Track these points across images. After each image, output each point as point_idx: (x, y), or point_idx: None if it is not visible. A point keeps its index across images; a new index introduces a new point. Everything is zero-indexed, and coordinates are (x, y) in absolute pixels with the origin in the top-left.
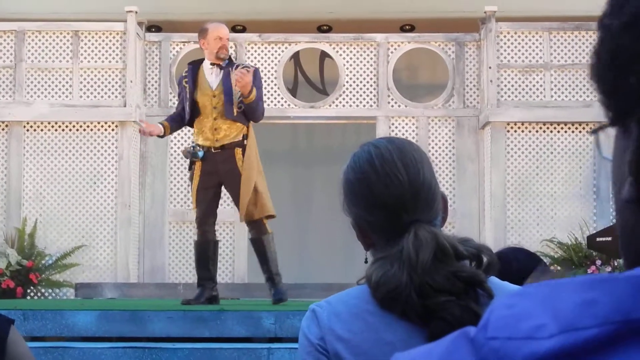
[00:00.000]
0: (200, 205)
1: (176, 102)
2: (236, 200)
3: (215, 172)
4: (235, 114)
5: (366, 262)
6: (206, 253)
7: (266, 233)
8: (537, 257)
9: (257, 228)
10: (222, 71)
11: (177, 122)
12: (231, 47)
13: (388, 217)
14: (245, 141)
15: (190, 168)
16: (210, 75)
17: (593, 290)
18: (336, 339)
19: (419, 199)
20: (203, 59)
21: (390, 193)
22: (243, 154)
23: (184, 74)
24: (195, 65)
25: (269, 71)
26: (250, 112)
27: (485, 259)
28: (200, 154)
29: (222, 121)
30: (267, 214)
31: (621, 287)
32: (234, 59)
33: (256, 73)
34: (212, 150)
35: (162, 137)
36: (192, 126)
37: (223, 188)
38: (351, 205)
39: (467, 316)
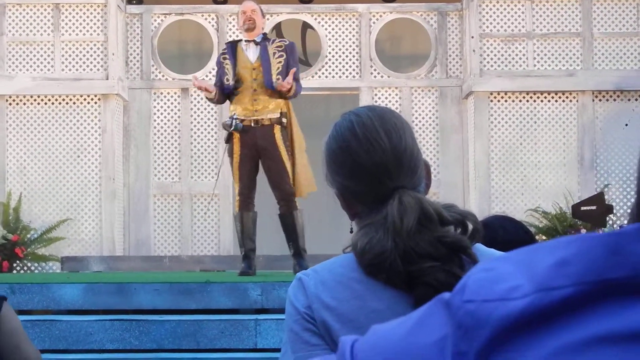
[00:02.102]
0: (242, 179)
1: (159, 75)
2: (271, 178)
3: (254, 146)
4: (274, 83)
5: (351, 231)
6: (251, 225)
7: (296, 209)
8: (523, 226)
9: (288, 204)
10: (259, 46)
11: (220, 94)
12: (213, 19)
13: (371, 184)
14: (283, 119)
15: (228, 141)
16: (248, 51)
17: (567, 250)
18: (323, 307)
19: (401, 164)
20: (240, 40)
21: (372, 160)
22: (282, 132)
23: (222, 52)
24: (232, 44)
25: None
26: (287, 96)
27: (470, 225)
28: (240, 125)
29: (262, 92)
30: (305, 192)
31: (595, 247)
32: (266, 35)
33: (293, 48)
34: (252, 124)
35: (210, 99)
36: (230, 100)
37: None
38: (334, 175)
39: (451, 281)
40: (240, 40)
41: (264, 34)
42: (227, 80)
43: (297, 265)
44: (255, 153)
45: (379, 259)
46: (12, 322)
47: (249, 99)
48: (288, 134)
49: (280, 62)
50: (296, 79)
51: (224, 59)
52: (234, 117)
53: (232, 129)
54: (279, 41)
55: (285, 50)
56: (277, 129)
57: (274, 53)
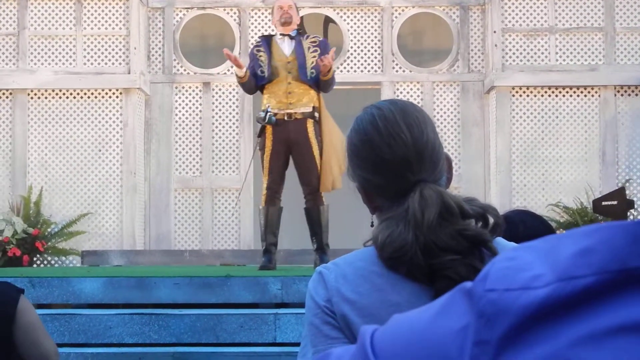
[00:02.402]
0: (272, 173)
1: (180, 69)
2: (302, 172)
3: (286, 141)
4: (308, 77)
5: (372, 225)
6: (275, 220)
7: (322, 204)
8: (544, 220)
9: (315, 198)
10: (293, 40)
11: (251, 82)
12: (235, 13)
13: (393, 178)
14: (316, 113)
15: (260, 135)
16: (283, 45)
17: (590, 239)
18: (343, 301)
19: (423, 158)
20: (274, 34)
21: (394, 153)
22: (314, 126)
23: (256, 44)
24: (267, 38)
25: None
26: (324, 85)
27: (491, 219)
28: (274, 119)
29: (296, 85)
30: (329, 188)
31: (618, 235)
32: (301, 30)
33: (326, 44)
34: (285, 118)
35: (241, 81)
36: (262, 92)
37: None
38: (356, 169)
39: (472, 275)
40: (275, 34)
41: (298, 29)
42: (262, 72)
43: (319, 259)
44: (287, 148)
45: (399, 253)
46: (29, 315)
47: (283, 92)
48: (320, 128)
49: (314, 56)
50: (333, 79)
51: (258, 51)
52: (268, 110)
53: (265, 122)
54: (313, 37)
55: (319, 46)
56: (309, 123)
57: (309, 48)
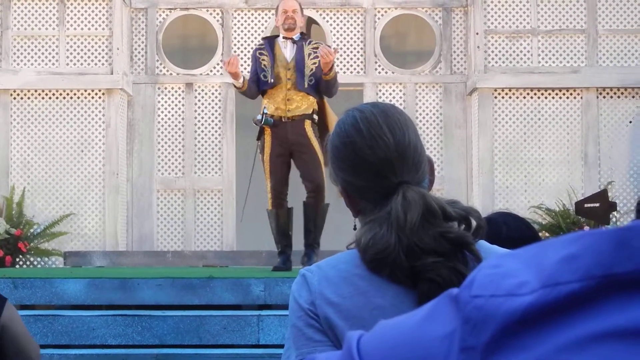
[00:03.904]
0: (274, 175)
1: (163, 70)
2: (304, 170)
3: (286, 141)
4: (306, 85)
5: (355, 228)
6: (286, 221)
7: (323, 201)
8: (527, 223)
9: (317, 195)
10: (295, 45)
11: (252, 88)
12: (218, 14)
13: (375, 180)
14: (315, 115)
15: (259, 138)
16: (285, 49)
17: (574, 245)
18: (326, 303)
19: (405, 160)
20: (277, 35)
21: (376, 155)
22: (313, 127)
23: (258, 47)
24: (270, 40)
25: (255, 38)
26: (327, 87)
27: (473, 222)
28: (271, 120)
29: (295, 92)
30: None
31: (602, 242)
32: (305, 34)
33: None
34: (283, 119)
35: (238, 88)
36: (262, 96)
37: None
38: (338, 171)
39: (455, 277)
40: (278, 36)
41: (302, 33)
42: (265, 77)
43: (306, 257)
44: (287, 149)
45: (382, 254)
46: (16, 325)
47: (282, 98)
48: (320, 129)
49: (314, 63)
50: (334, 76)
51: (261, 54)
52: (265, 111)
53: (262, 123)
54: (315, 42)
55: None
56: (307, 124)
57: (309, 54)
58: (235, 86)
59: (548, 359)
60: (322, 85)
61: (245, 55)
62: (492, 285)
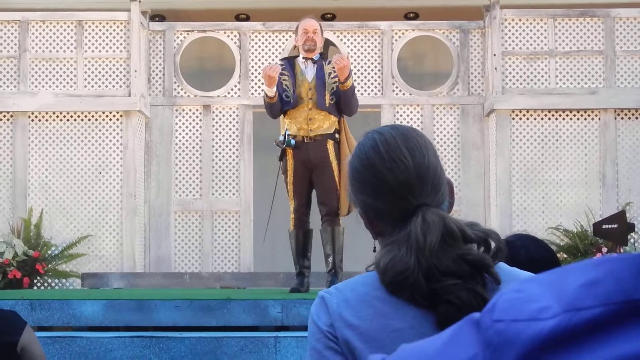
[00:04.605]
0: (297, 196)
1: (180, 92)
2: (321, 191)
3: (308, 162)
4: (327, 104)
5: (374, 250)
6: (306, 243)
7: (339, 225)
8: (546, 245)
9: (332, 220)
10: (315, 65)
11: (278, 105)
12: (235, 36)
13: (395, 202)
14: (337, 135)
15: (281, 159)
16: (306, 69)
17: (596, 271)
18: (345, 326)
19: (425, 182)
20: (297, 55)
21: (396, 177)
22: (335, 147)
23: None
24: (289, 60)
25: (273, 60)
26: (346, 101)
27: (493, 244)
28: (293, 142)
29: (317, 112)
30: (349, 211)
31: (623, 267)
32: (324, 54)
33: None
34: (305, 140)
35: (270, 99)
36: (283, 116)
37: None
38: (358, 193)
39: (474, 300)
40: (296, 56)
41: (321, 53)
42: (287, 97)
43: (329, 283)
44: (308, 169)
45: (401, 277)
46: (34, 348)
47: (304, 118)
48: (340, 150)
49: (335, 82)
50: (352, 87)
51: (282, 74)
52: (287, 133)
53: (285, 145)
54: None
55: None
56: (330, 144)
57: (330, 73)
58: (267, 95)
59: None
60: (341, 99)
61: (260, 79)
62: (513, 309)
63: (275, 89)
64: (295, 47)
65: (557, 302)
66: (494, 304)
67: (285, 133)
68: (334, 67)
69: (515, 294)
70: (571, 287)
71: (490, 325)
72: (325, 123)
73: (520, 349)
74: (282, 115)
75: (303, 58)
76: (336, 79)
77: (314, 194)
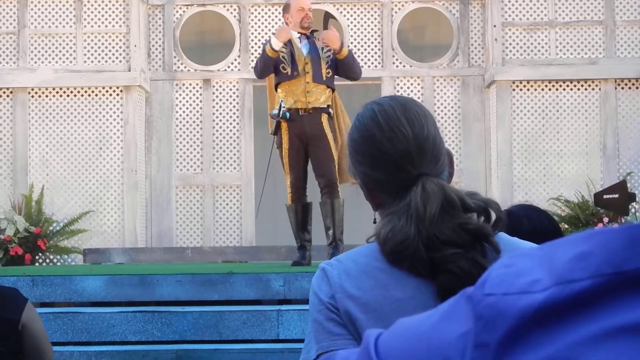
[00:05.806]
0: (293, 169)
1: (180, 66)
2: (317, 165)
3: (303, 135)
4: (324, 78)
5: (374, 222)
6: (305, 216)
7: (338, 197)
8: (548, 215)
9: (331, 192)
10: (309, 40)
11: (271, 66)
12: (235, 10)
13: (395, 173)
14: (330, 110)
15: (275, 133)
16: (301, 45)
17: (586, 243)
18: (346, 297)
19: (424, 152)
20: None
21: (395, 148)
22: (329, 121)
23: None
24: None
25: (273, 33)
26: (347, 68)
27: (493, 214)
28: (288, 115)
29: (314, 85)
30: (349, 181)
31: (614, 239)
32: (314, 30)
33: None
34: (300, 112)
35: (272, 53)
36: (276, 89)
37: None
38: (357, 165)
39: (474, 269)
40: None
41: (312, 30)
42: (284, 69)
43: (331, 255)
44: (303, 142)
45: (401, 246)
46: (35, 325)
47: (301, 91)
48: (334, 123)
49: (328, 56)
50: (349, 54)
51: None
52: (282, 106)
53: (280, 117)
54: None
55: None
56: (324, 117)
57: (322, 48)
58: (271, 47)
59: (561, 356)
60: (344, 67)
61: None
62: (504, 283)
63: (281, 45)
64: (285, 23)
65: (548, 275)
66: (485, 279)
67: (280, 106)
68: (325, 44)
69: (506, 268)
70: (562, 260)
71: (481, 299)
72: (322, 96)
73: (512, 322)
74: (276, 90)
75: (298, 34)
76: (329, 53)
77: (309, 168)
